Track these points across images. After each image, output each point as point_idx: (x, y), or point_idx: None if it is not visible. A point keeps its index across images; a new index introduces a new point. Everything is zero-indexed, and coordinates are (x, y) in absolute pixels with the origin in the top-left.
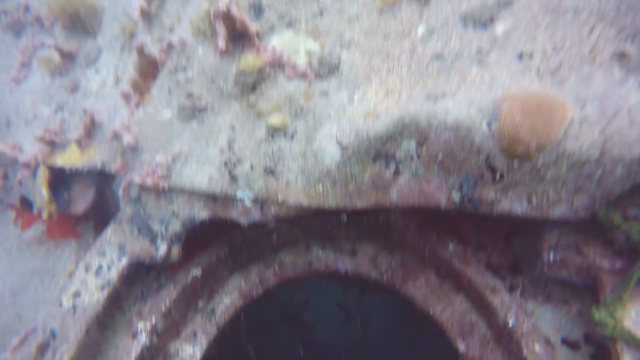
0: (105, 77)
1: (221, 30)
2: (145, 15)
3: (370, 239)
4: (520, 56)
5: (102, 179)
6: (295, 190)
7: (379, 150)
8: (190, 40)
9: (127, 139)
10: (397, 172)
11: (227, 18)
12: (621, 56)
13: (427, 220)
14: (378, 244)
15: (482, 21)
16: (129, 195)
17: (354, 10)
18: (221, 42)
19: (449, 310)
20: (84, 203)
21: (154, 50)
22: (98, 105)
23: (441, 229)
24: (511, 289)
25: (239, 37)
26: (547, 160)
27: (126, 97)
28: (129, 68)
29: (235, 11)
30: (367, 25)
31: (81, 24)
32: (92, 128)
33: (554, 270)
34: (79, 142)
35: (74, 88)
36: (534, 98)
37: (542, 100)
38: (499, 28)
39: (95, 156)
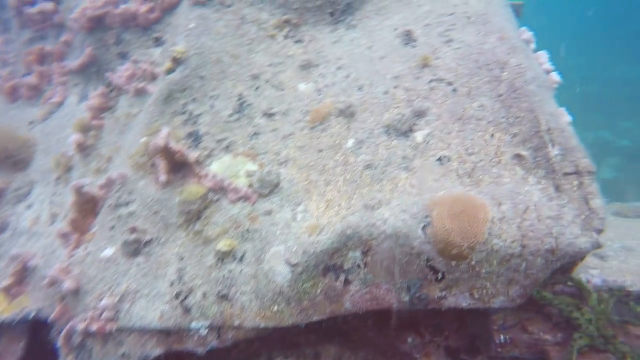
0: (39, 213)
1: (161, 164)
2: (82, 148)
3: (332, 340)
4: (440, 160)
5: (35, 328)
6: (250, 313)
7: (327, 264)
8: (131, 174)
9: (68, 283)
10: (347, 282)
11: (166, 152)
12: (519, 158)
13: (383, 315)
14: (340, 344)
15: (402, 131)
16: (71, 344)
17: (287, 129)
18: (162, 177)
19: None
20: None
21: (92, 187)
22: (31, 245)
23: (397, 321)
24: None
25: (179, 167)
26: (479, 258)
27: (64, 237)
28: (66, 202)
29: (173, 145)
30: (300, 142)
31: (10, 160)
32: (24, 274)
33: (507, 349)
34: (7, 291)
35: (2, 229)
36: (458, 202)
37: (465, 203)
38: (419, 136)
39: (29, 304)
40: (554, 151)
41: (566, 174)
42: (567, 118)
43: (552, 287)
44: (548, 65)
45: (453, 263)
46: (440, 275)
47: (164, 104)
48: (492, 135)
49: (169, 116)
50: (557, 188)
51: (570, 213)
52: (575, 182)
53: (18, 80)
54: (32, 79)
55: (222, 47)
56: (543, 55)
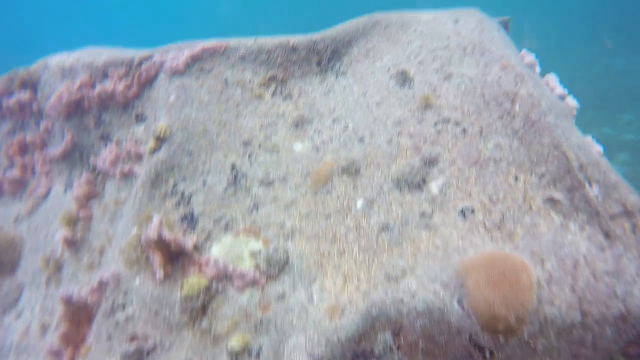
0: (30, 323)
1: (156, 258)
2: (71, 244)
3: None
4: (463, 213)
5: None
6: None
7: (355, 351)
8: (124, 272)
9: None
10: None
11: (160, 243)
12: (552, 202)
13: None
14: None
15: (414, 183)
16: None
17: (289, 196)
18: (158, 273)
19: None
20: None
21: (83, 292)
22: None
23: None
24: None
25: (176, 257)
26: (532, 331)
27: (56, 355)
28: (58, 308)
29: (167, 235)
30: (305, 210)
31: None
32: None
33: None
34: None
35: None
36: (494, 264)
37: (503, 264)
38: (434, 187)
39: None
40: (592, 190)
41: (614, 216)
42: (598, 148)
43: (626, 350)
44: (560, 89)
45: (501, 339)
46: (488, 353)
47: (152, 187)
48: (515, 178)
49: (159, 200)
50: (607, 234)
51: (631, 265)
52: (627, 225)
53: (0, 177)
54: (14, 173)
55: (207, 116)
56: (552, 78)
